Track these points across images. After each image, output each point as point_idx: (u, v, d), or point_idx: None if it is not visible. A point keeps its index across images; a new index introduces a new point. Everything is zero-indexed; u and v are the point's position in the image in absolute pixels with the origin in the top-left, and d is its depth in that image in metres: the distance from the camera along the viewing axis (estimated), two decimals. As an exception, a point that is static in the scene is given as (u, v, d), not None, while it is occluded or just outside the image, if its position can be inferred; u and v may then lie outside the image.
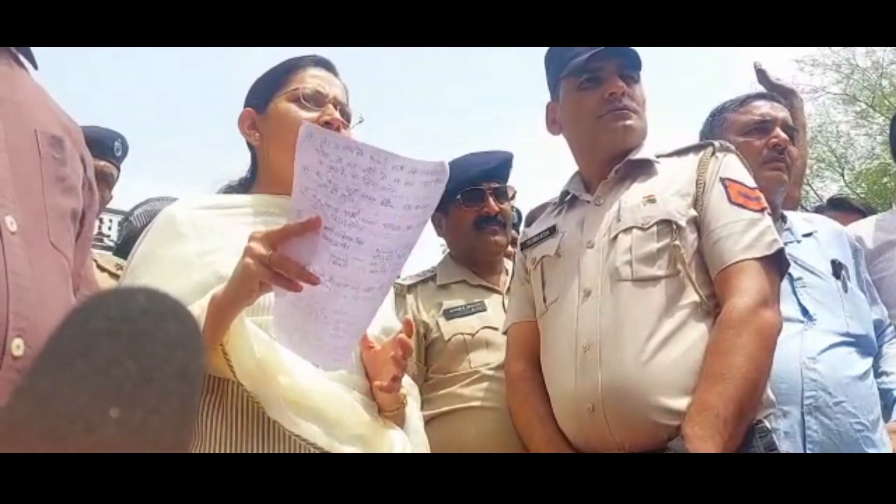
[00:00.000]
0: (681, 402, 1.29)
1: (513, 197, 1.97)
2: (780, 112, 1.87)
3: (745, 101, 1.90)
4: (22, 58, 0.93)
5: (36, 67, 0.94)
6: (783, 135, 1.81)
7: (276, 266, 0.96)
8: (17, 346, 0.73)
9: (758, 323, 1.30)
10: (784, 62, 14.46)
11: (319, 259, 0.96)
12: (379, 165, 0.89)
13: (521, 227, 1.98)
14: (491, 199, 1.87)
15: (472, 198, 1.87)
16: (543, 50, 1.65)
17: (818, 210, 2.89)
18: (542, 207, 1.74)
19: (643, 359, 1.33)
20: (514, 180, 1.97)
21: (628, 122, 1.52)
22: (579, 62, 1.52)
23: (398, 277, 1.02)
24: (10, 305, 0.74)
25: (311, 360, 1.11)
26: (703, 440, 1.22)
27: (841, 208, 2.95)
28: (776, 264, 1.40)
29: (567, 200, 1.64)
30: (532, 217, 1.77)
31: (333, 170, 0.90)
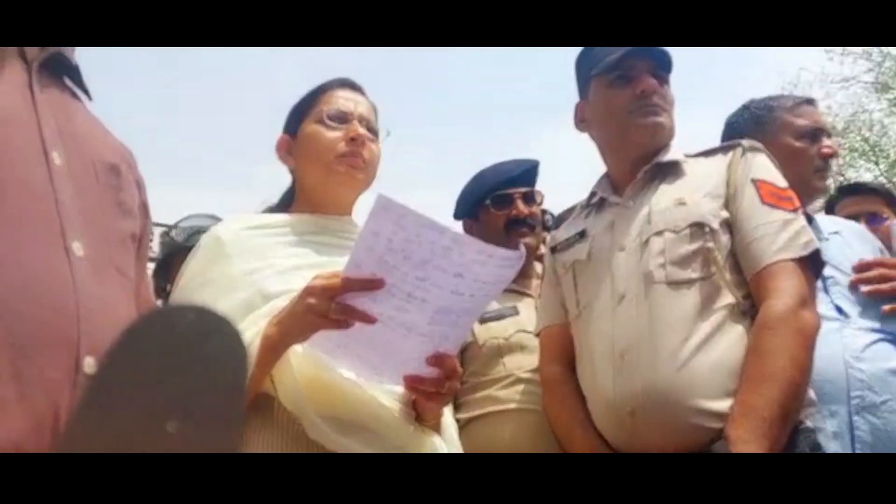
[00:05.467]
0: (721, 405, 1.29)
1: (541, 202, 1.99)
2: (824, 118, 1.86)
3: (799, 104, 1.87)
4: (77, 90, 0.97)
5: (90, 98, 0.99)
6: (833, 145, 1.80)
7: (337, 315, 1.01)
8: (89, 365, 0.75)
9: (798, 323, 1.29)
10: (814, 52, 14.22)
11: (380, 305, 1.01)
12: (458, 246, 0.96)
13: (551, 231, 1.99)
14: (520, 203, 1.89)
15: (501, 202, 1.90)
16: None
17: (829, 202, 2.55)
18: (570, 210, 1.75)
19: (681, 362, 1.32)
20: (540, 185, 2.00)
21: (658, 118, 1.52)
22: (612, 60, 1.53)
23: (459, 337, 1.10)
24: (81, 326, 0.77)
25: (351, 370, 1.14)
26: (747, 443, 1.21)
27: (857, 192, 2.54)
28: (812, 265, 1.39)
29: (595, 203, 1.64)
30: (560, 220, 1.78)
31: (409, 241, 0.96)
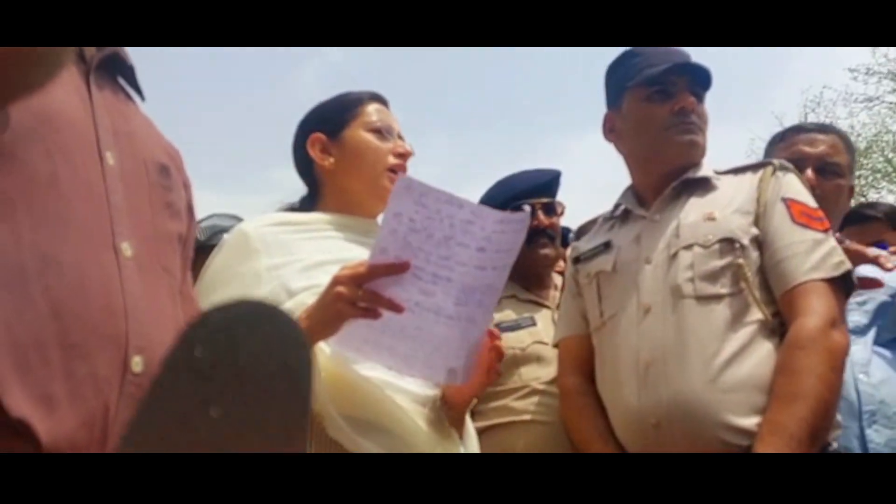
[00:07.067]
0: (749, 421, 1.29)
1: (561, 213, 1.99)
2: (819, 147, 1.80)
3: (785, 135, 1.87)
4: (131, 91, 0.99)
5: (143, 99, 1.01)
6: (811, 174, 1.74)
7: (365, 302, 1.04)
8: (136, 363, 0.78)
9: (828, 343, 1.30)
10: (838, 71, 14.15)
11: (406, 290, 1.03)
12: (479, 219, 0.99)
13: (571, 242, 2.01)
14: (540, 214, 1.89)
15: (521, 212, 1.91)
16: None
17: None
18: (593, 221, 1.75)
19: (710, 376, 1.33)
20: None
21: (695, 137, 1.53)
22: (652, 74, 1.53)
23: (485, 319, 1.13)
24: (129, 325, 0.79)
25: (382, 365, 1.16)
26: None
27: (859, 221, 2.26)
28: (842, 285, 1.39)
29: (619, 215, 1.64)
30: (582, 231, 1.78)
31: (431, 219, 0.99)
